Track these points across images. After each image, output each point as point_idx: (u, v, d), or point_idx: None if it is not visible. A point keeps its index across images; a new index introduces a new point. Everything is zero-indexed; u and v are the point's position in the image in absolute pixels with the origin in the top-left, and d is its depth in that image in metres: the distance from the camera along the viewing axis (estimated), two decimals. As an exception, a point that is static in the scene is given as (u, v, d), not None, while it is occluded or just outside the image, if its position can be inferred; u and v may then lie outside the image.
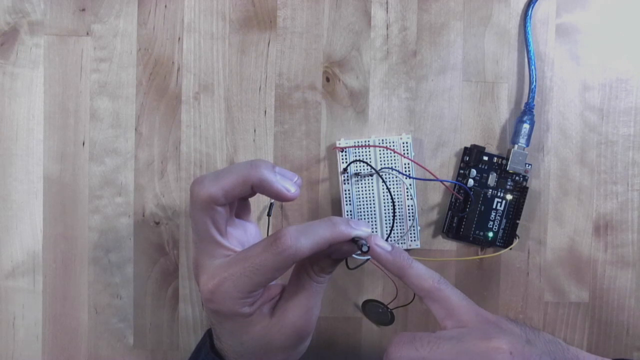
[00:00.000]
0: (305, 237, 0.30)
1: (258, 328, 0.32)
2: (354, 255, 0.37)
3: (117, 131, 0.44)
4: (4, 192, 0.44)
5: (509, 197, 0.44)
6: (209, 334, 0.36)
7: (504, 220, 0.44)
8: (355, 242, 0.31)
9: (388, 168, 0.43)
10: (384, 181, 0.43)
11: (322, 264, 0.33)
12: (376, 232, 0.43)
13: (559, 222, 0.44)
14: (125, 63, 0.44)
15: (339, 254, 0.33)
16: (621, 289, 0.45)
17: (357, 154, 0.43)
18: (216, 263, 0.32)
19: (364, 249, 0.31)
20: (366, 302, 0.44)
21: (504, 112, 0.44)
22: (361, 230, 0.31)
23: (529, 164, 0.43)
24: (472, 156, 0.43)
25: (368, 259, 0.34)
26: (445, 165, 0.44)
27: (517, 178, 0.44)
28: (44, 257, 0.44)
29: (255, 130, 0.44)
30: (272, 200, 0.43)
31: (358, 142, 0.43)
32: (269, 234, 0.43)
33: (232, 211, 0.34)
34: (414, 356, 0.29)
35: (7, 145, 0.44)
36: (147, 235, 0.44)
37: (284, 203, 0.44)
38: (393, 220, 0.43)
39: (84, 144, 0.44)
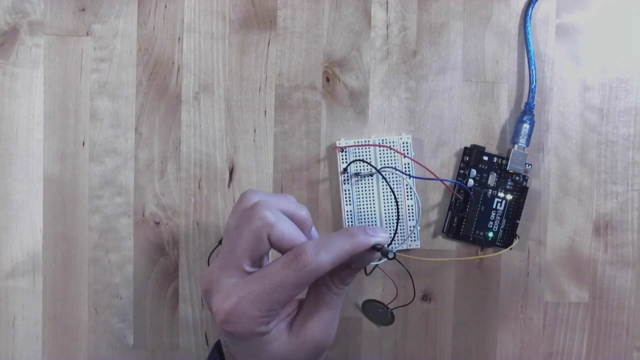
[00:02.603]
0: (325, 252, 0.29)
1: (276, 345, 0.31)
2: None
3: (117, 131, 0.44)
4: (4, 192, 0.44)
5: (509, 197, 0.44)
6: (217, 350, 0.35)
7: (504, 220, 0.44)
8: (379, 250, 0.31)
9: (388, 167, 0.43)
10: (386, 181, 0.43)
11: (341, 275, 0.32)
12: (376, 232, 0.43)
13: (559, 222, 0.44)
14: (125, 63, 0.44)
15: (359, 264, 0.32)
16: (621, 289, 0.45)
17: (357, 153, 0.43)
18: (232, 282, 0.30)
19: (390, 256, 0.30)
20: (366, 302, 0.44)
21: (504, 112, 0.44)
22: (380, 236, 0.31)
23: (529, 164, 0.43)
24: (472, 156, 0.43)
25: (380, 263, 0.34)
26: (445, 165, 0.44)
27: (517, 178, 0.44)
28: (44, 257, 0.44)
29: (255, 130, 0.44)
30: None
31: (358, 142, 0.43)
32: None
33: None
34: None
35: (7, 145, 0.44)
36: (147, 235, 0.44)
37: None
38: (397, 219, 0.43)
39: (84, 144, 0.44)
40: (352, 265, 0.32)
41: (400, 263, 0.43)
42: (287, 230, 0.30)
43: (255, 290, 0.29)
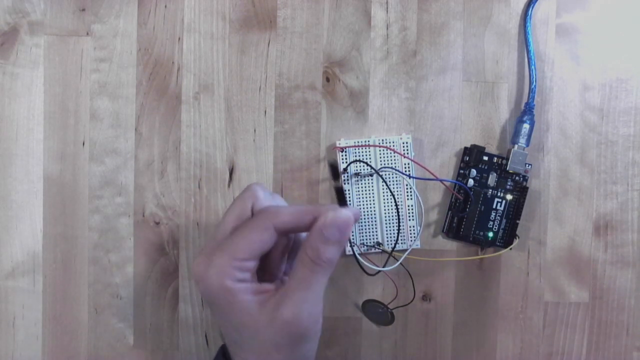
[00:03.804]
0: (283, 202, 0.34)
1: (246, 317, 0.32)
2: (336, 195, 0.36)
3: (117, 131, 0.44)
4: (4, 192, 0.44)
5: (509, 197, 0.44)
6: (222, 351, 0.35)
7: (504, 220, 0.44)
8: (330, 166, 0.34)
9: (388, 168, 0.43)
10: (384, 181, 0.43)
11: (314, 244, 0.31)
12: (377, 232, 0.43)
13: (559, 222, 0.44)
14: (125, 63, 0.44)
15: (330, 231, 0.31)
16: (621, 289, 0.45)
17: (357, 153, 0.43)
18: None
19: (331, 162, 0.34)
20: (366, 302, 0.44)
21: (504, 112, 0.44)
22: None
23: (529, 164, 0.43)
24: (472, 156, 0.43)
25: (386, 269, 0.34)
26: (445, 165, 0.44)
27: (517, 178, 0.44)
28: (44, 257, 0.44)
29: (255, 130, 0.44)
30: None
31: (358, 142, 0.43)
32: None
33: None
34: None
35: (7, 145, 0.44)
36: (147, 235, 0.44)
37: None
38: (398, 220, 0.43)
39: (84, 144, 0.44)
40: (324, 232, 0.31)
41: (401, 263, 0.43)
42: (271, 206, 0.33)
43: (225, 243, 0.32)
